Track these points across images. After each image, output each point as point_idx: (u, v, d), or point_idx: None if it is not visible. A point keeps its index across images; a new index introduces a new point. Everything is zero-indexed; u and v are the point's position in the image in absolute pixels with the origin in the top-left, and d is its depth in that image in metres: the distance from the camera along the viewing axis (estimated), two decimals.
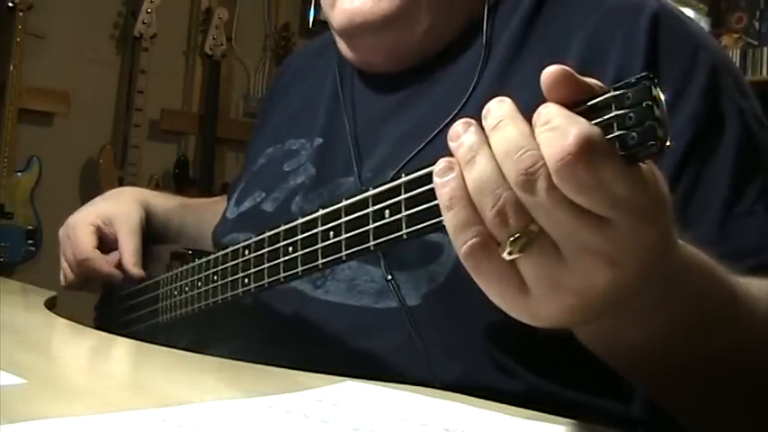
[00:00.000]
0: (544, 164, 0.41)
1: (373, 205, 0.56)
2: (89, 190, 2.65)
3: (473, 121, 0.45)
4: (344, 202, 0.59)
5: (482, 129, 0.44)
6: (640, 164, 0.42)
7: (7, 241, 2.44)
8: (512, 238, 0.42)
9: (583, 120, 0.41)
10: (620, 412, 0.68)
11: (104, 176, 2.61)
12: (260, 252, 0.71)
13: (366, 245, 0.56)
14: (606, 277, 0.42)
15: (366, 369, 0.65)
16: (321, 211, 0.62)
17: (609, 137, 0.41)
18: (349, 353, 0.72)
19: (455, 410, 0.47)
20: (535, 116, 0.42)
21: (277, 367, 0.60)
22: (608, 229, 0.41)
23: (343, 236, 0.59)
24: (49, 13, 2.52)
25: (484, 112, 0.45)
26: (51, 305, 0.92)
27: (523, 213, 0.42)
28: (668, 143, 0.40)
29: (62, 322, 0.79)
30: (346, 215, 0.59)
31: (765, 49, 3.01)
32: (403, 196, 0.52)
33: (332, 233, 0.60)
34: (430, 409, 0.47)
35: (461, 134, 0.45)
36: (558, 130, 0.40)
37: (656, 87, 0.41)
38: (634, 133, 0.40)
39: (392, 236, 0.54)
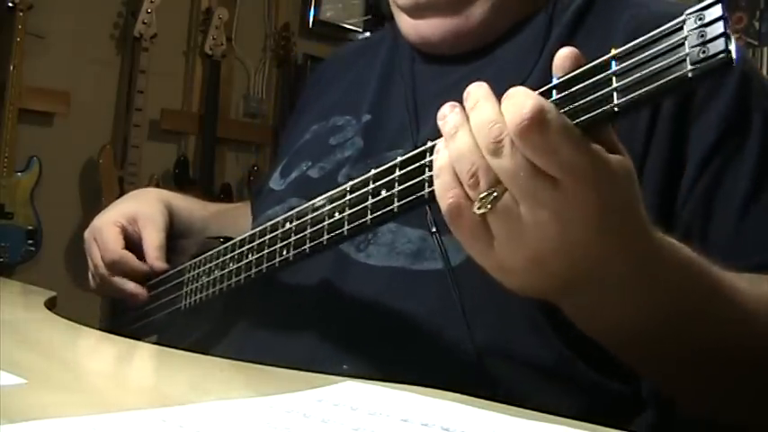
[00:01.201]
0: (509, 134, 0.49)
1: (430, 156, 0.58)
2: (89, 190, 2.65)
3: (457, 103, 0.54)
4: (398, 159, 0.61)
5: (464, 110, 0.53)
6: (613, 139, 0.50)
7: (7, 241, 2.44)
8: (481, 196, 0.50)
9: (538, 95, 0.50)
10: (636, 395, 0.69)
11: (104, 176, 2.61)
12: (303, 219, 0.71)
13: (421, 193, 0.58)
14: (556, 229, 0.50)
15: (402, 330, 0.66)
16: (372, 171, 0.63)
17: (680, 54, 0.46)
18: (386, 314, 0.73)
19: (455, 410, 0.47)
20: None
21: (289, 361, 0.61)
22: (558, 189, 0.49)
23: (396, 189, 0.60)
24: (49, 13, 2.52)
25: (465, 94, 0.53)
26: (51, 305, 0.92)
27: (492, 176, 0.50)
28: (735, 57, 0.45)
29: (62, 322, 0.79)
30: (400, 169, 0.60)
31: (765, 49, 3.01)
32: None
33: (384, 190, 0.61)
34: (430, 409, 0.47)
35: (447, 114, 0.54)
36: (517, 101, 0.49)
37: (724, 8, 0.46)
38: (705, 48, 0.45)
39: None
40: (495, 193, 0.50)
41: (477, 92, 0.53)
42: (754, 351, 0.63)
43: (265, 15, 3.14)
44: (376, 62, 0.95)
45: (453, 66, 0.86)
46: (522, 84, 0.76)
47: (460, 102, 0.84)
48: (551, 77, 0.73)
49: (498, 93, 0.77)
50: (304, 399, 0.48)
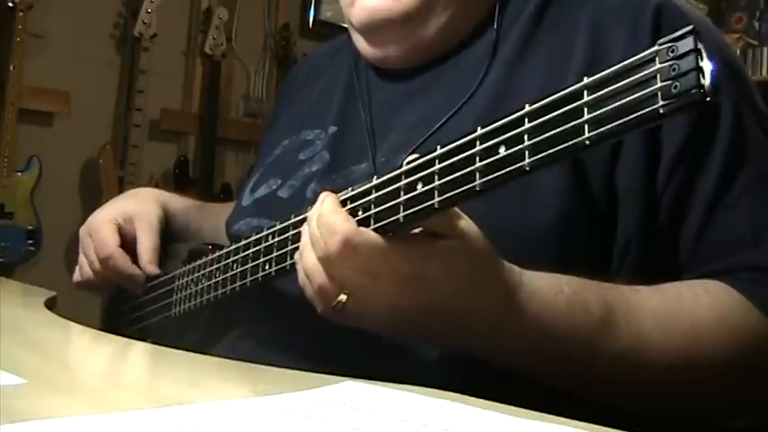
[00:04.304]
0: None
1: (405, 179, 0.59)
2: (89, 190, 2.64)
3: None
4: (375, 181, 0.62)
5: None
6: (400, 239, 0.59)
7: (7, 241, 2.44)
8: (333, 304, 0.62)
9: (343, 220, 0.60)
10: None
11: (104, 176, 2.61)
12: (285, 236, 0.72)
13: (396, 217, 0.59)
14: (378, 300, 0.61)
15: (379, 345, 0.66)
16: (351, 192, 0.64)
17: (651, 88, 0.45)
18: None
19: (455, 410, 0.47)
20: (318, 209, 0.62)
21: (285, 365, 0.61)
22: (379, 283, 0.60)
23: (372, 210, 0.61)
24: (49, 13, 2.52)
25: (313, 209, 0.63)
26: (51, 305, 0.92)
27: (336, 286, 0.62)
28: (709, 96, 0.43)
29: (62, 322, 0.79)
30: (376, 192, 0.61)
31: (765, 49, 3.01)
32: (437, 166, 0.56)
33: (360, 211, 0.62)
34: (430, 409, 0.47)
35: (302, 234, 0.65)
36: (328, 228, 0.60)
37: (698, 40, 0.44)
38: (677, 83, 0.44)
39: (424, 205, 0.57)
40: (343, 298, 0.62)
41: (318, 205, 0.63)
42: (664, 375, 0.66)
43: (265, 15, 3.14)
44: (342, 70, 0.95)
45: (407, 78, 0.86)
46: (474, 91, 0.78)
47: (415, 115, 0.82)
48: (506, 84, 0.74)
49: (451, 104, 0.79)
50: (304, 399, 0.48)
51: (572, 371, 0.65)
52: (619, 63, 0.47)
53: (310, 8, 3.19)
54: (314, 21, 3.19)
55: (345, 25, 0.92)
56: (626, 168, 0.70)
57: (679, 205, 0.70)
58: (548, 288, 0.63)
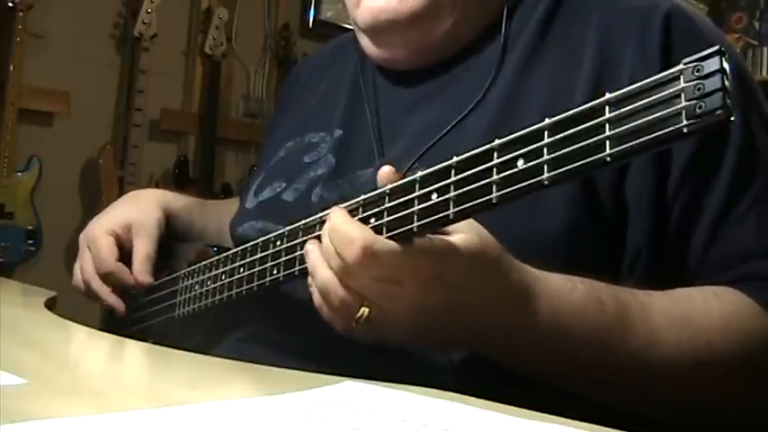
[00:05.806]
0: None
1: (420, 189, 0.58)
2: (89, 190, 2.65)
3: (316, 241, 0.64)
4: (387, 186, 0.61)
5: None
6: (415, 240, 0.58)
7: (7, 241, 2.44)
8: (356, 317, 0.60)
9: (359, 229, 0.58)
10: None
11: (104, 176, 2.61)
12: (293, 242, 0.71)
13: (409, 226, 0.58)
14: (402, 305, 0.61)
15: (383, 347, 0.66)
16: (362, 199, 0.63)
17: (676, 107, 0.45)
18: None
19: (455, 410, 0.47)
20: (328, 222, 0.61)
21: (282, 363, 0.61)
22: (403, 287, 0.59)
23: (385, 219, 0.60)
24: (49, 13, 2.52)
25: (327, 218, 0.62)
26: (51, 305, 0.92)
27: (354, 297, 0.60)
28: (733, 117, 0.44)
29: (62, 322, 0.79)
30: (390, 201, 0.61)
31: (765, 49, 3.01)
32: (453, 177, 0.55)
33: (373, 219, 0.61)
34: (430, 409, 0.47)
35: (309, 252, 0.64)
36: (344, 236, 0.59)
37: (724, 59, 0.44)
38: (702, 103, 0.44)
39: (438, 216, 0.56)
40: (365, 311, 0.60)
41: (328, 221, 0.61)
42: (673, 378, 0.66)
43: (265, 15, 3.14)
44: (346, 70, 0.94)
45: (416, 82, 0.85)
46: (482, 98, 0.77)
47: (424, 121, 0.82)
48: (515, 90, 0.73)
49: (460, 110, 0.79)
50: (304, 399, 0.48)
51: (586, 370, 0.65)
52: (642, 80, 0.47)
53: (310, 8, 3.19)
54: (314, 21, 3.19)
55: (345, 25, 0.91)
56: (635, 180, 0.70)
57: (688, 218, 0.70)
58: (561, 284, 0.63)
